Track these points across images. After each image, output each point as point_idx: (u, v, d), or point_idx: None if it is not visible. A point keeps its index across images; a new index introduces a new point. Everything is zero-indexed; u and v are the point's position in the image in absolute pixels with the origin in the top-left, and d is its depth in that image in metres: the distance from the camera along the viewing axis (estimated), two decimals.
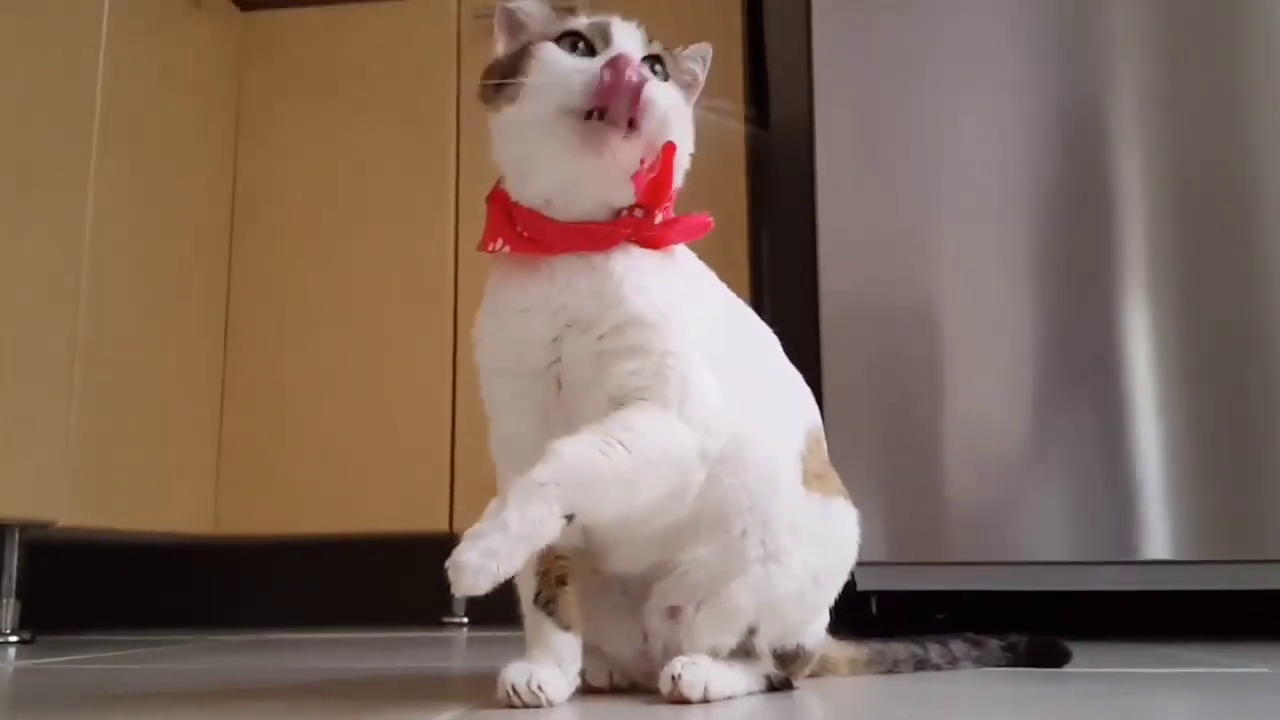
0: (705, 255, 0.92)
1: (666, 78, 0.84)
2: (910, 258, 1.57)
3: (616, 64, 0.77)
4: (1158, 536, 1.45)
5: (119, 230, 1.79)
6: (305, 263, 2.10)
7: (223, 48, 2.15)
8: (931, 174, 1.58)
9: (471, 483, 1.95)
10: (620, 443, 0.74)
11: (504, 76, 0.82)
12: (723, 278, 0.92)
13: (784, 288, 2.17)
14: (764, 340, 0.93)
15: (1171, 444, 1.46)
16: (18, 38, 1.59)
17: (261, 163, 2.15)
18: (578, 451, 0.73)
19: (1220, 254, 1.49)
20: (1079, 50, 1.57)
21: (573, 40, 0.81)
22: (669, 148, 0.80)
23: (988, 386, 1.51)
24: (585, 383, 0.80)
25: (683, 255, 0.88)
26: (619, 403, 0.78)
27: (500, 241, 0.82)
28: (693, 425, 0.79)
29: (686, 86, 0.87)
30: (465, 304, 2.01)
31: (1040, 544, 1.47)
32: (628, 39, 0.82)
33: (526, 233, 0.82)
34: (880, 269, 1.57)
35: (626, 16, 0.84)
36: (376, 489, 1.99)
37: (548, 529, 0.70)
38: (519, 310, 0.81)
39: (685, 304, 0.82)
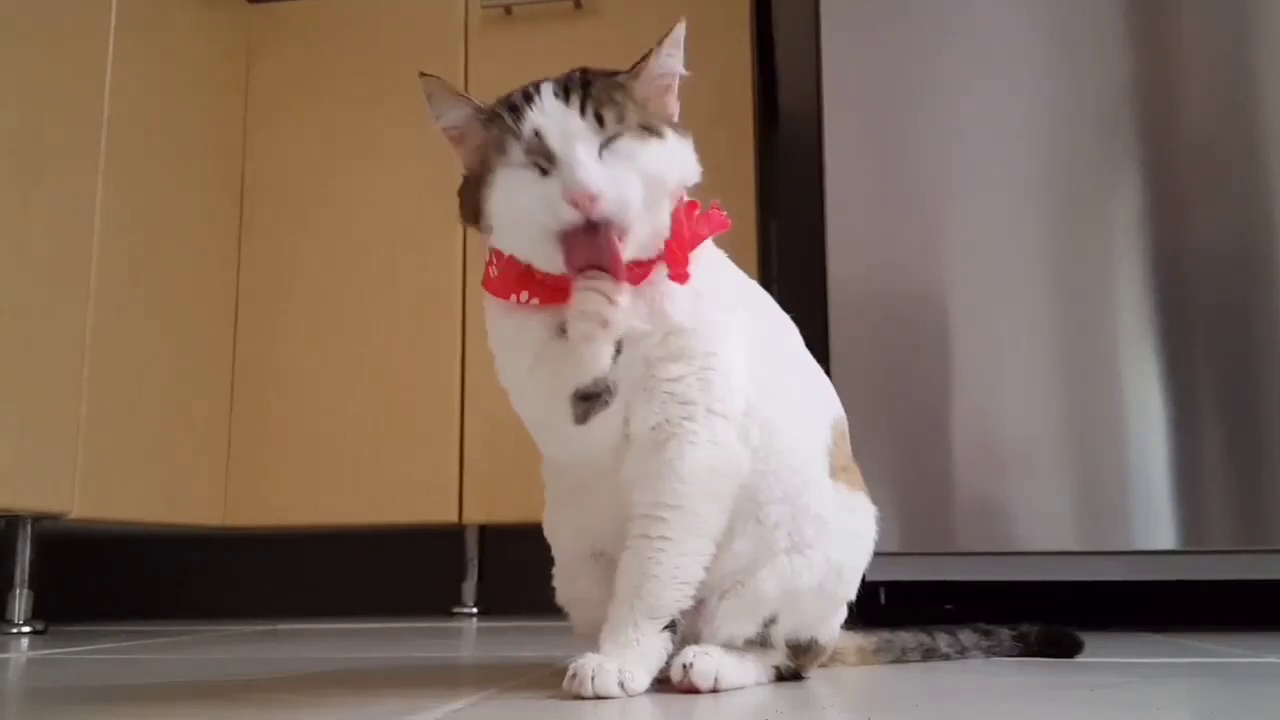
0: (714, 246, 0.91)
1: (621, 131, 0.76)
2: (919, 249, 1.56)
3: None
4: (1168, 527, 1.44)
5: (128, 223, 1.79)
6: (314, 254, 2.10)
7: (231, 40, 2.15)
8: (940, 164, 1.57)
9: (480, 473, 1.95)
10: (662, 535, 0.79)
11: (471, 205, 0.80)
12: None
13: (792, 278, 2.16)
14: (787, 330, 0.93)
15: (1181, 433, 1.45)
16: (26, 32, 1.60)
17: (270, 155, 2.15)
18: (630, 582, 0.80)
19: (1229, 246, 1.48)
20: (1089, 41, 1.56)
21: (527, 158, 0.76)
22: (678, 215, 0.79)
23: (996, 376, 1.51)
24: (631, 381, 0.81)
25: (703, 253, 0.85)
26: (661, 436, 0.80)
27: (525, 294, 0.80)
28: (731, 418, 0.81)
29: (665, 90, 0.82)
30: (473, 295, 2.01)
31: (1050, 534, 1.46)
32: (574, 150, 0.74)
33: (550, 281, 0.79)
34: (889, 260, 1.56)
35: (561, 88, 0.76)
36: (386, 480, 1.99)
37: (662, 649, 0.80)
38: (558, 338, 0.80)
39: (721, 308, 0.83)
